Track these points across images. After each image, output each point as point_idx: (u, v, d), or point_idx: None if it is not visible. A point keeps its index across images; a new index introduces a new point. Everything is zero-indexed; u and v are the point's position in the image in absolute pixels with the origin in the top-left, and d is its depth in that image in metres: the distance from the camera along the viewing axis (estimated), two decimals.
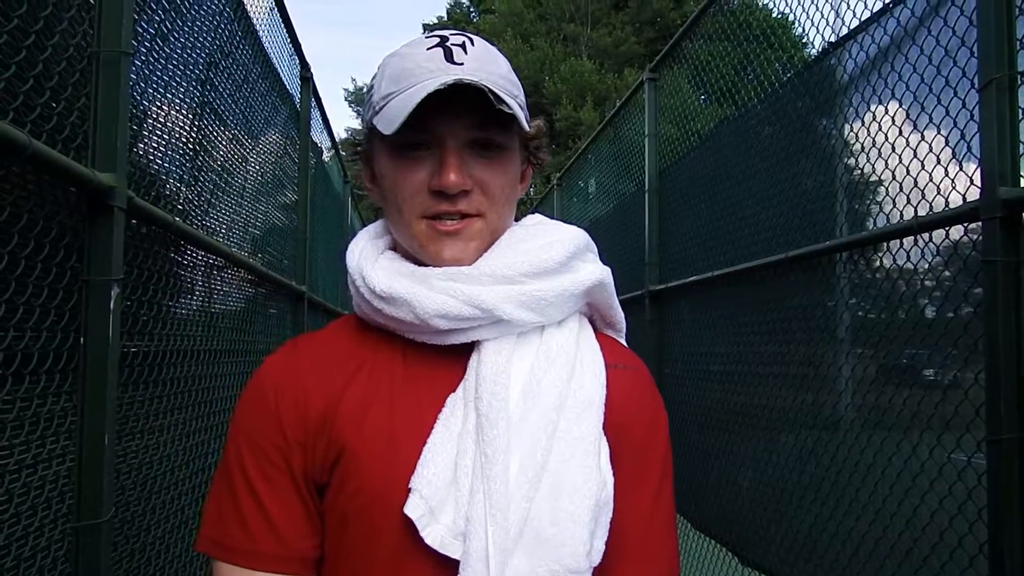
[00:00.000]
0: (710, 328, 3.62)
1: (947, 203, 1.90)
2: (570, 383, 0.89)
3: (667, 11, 25.36)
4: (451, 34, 0.93)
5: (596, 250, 1.03)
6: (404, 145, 0.89)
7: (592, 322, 1.03)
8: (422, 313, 0.88)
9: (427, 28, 31.02)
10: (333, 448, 0.88)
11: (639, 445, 0.93)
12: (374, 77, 0.95)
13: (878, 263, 2.30)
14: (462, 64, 0.88)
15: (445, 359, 0.92)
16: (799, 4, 2.76)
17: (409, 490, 0.83)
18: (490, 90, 0.84)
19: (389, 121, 0.86)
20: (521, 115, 0.88)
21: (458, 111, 0.87)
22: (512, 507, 0.82)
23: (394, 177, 0.91)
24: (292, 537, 0.88)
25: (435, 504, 0.83)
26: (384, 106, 0.89)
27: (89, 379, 1.50)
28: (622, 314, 1.06)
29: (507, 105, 0.85)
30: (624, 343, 1.07)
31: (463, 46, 0.90)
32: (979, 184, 1.73)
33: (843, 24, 2.50)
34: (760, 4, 3.48)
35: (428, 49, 0.90)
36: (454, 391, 0.90)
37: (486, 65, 0.90)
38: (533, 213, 1.06)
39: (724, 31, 3.55)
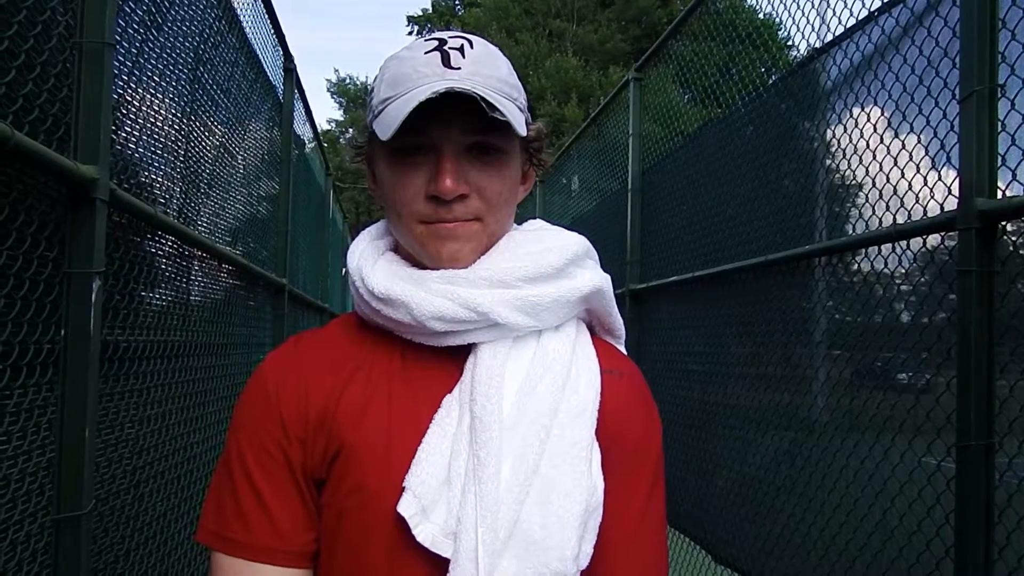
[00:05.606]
0: (689, 328, 3.65)
1: (925, 211, 1.93)
2: (564, 389, 0.90)
3: (652, 9, 25.41)
4: (450, 36, 0.92)
5: (596, 257, 1.03)
6: (403, 149, 0.90)
7: (591, 327, 1.04)
8: (419, 315, 0.89)
9: (411, 20, 30.85)
10: (332, 445, 0.89)
11: (632, 451, 0.94)
12: (375, 79, 0.96)
13: (856, 268, 2.33)
14: (459, 68, 0.88)
15: (443, 360, 0.93)
16: (785, 7, 2.79)
17: (403, 489, 0.85)
18: (482, 97, 0.84)
19: (386, 127, 0.87)
20: (519, 119, 0.88)
21: (454, 116, 0.87)
22: (502, 509, 0.83)
23: (393, 182, 0.92)
24: (290, 531, 0.89)
25: (427, 503, 0.84)
26: (382, 110, 0.90)
27: (70, 371, 1.49)
28: (621, 321, 1.06)
29: (500, 112, 0.85)
30: (623, 349, 1.07)
31: (461, 49, 0.90)
32: (957, 194, 1.76)
33: (828, 30, 2.53)
34: (746, 5, 3.50)
35: (426, 53, 0.90)
36: (450, 392, 0.91)
37: (483, 69, 0.90)
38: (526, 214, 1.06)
39: (710, 31, 3.57)
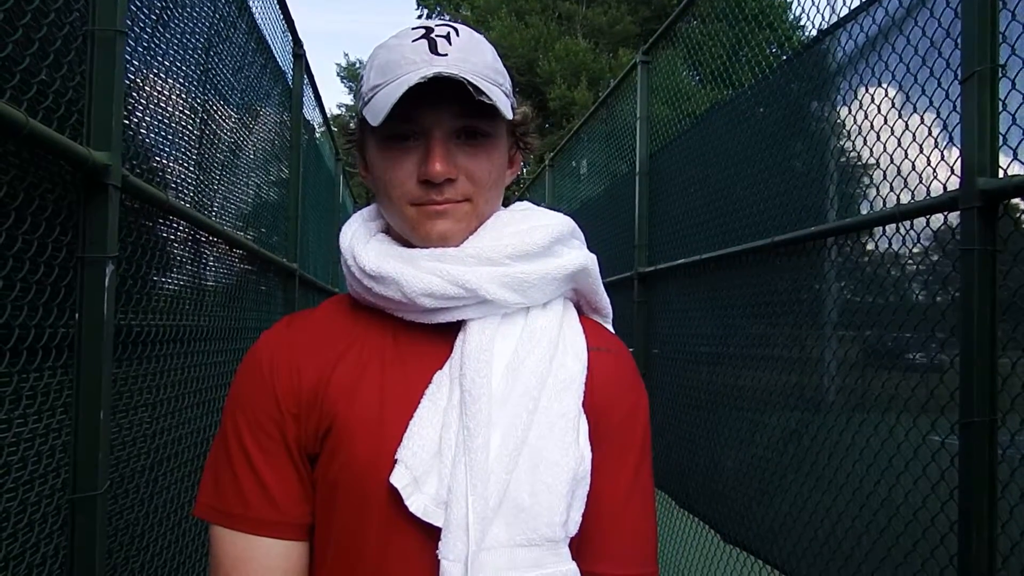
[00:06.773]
0: (697, 310, 3.66)
1: (929, 191, 1.94)
2: (552, 362, 0.93)
3: None
4: (437, 25, 0.95)
5: (583, 237, 1.06)
6: (392, 136, 0.93)
7: (579, 307, 1.06)
8: (409, 292, 0.92)
9: (421, 3, 30.72)
10: (325, 420, 0.92)
11: (619, 426, 0.97)
12: (365, 67, 0.99)
13: (861, 249, 2.33)
14: (446, 55, 0.91)
15: (433, 337, 0.96)
16: None
17: (395, 461, 0.87)
18: (469, 82, 0.87)
19: (375, 113, 0.89)
20: (505, 104, 0.91)
21: (442, 102, 0.90)
22: (492, 479, 0.86)
23: (383, 167, 0.95)
24: (287, 504, 0.92)
25: (419, 474, 0.87)
26: (372, 98, 0.92)
27: (84, 355, 1.52)
28: (607, 300, 1.09)
29: (487, 96, 0.88)
30: (610, 328, 1.10)
31: (448, 37, 0.93)
32: (959, 174, 1.77)
33: (833, 12, 2.52)
34: None
35: (413, 41, 0.93)
36: (441, 368, 0.94)
37: (469, 55, 0.92)
38: (524, 194, 1.09)
39: (718, 12, 3.56)
